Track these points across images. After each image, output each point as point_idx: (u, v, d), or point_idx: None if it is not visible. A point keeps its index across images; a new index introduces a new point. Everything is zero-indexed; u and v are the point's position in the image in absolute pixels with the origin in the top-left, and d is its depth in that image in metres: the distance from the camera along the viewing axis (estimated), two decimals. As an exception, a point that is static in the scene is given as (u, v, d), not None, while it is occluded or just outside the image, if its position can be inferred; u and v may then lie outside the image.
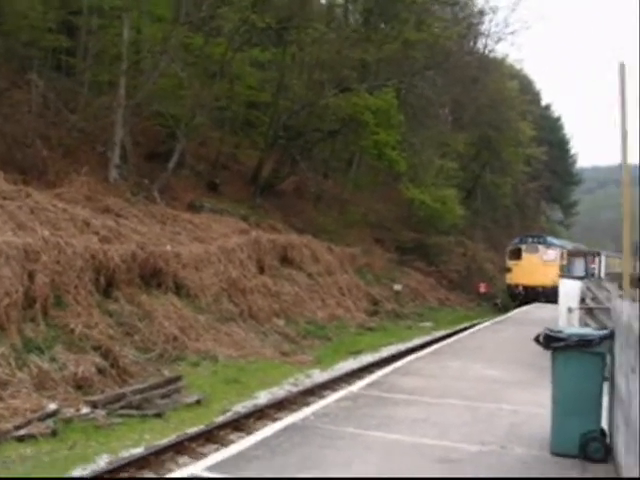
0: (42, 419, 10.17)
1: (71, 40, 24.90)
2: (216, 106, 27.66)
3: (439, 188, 37.36)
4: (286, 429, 7.46)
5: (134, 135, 24.75)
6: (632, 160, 6.78)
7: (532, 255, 35.11)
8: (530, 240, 36.65)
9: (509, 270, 36.06)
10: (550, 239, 37.60)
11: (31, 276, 13.20)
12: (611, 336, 6.49)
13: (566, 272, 33.07)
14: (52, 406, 10.59)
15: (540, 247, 35.45)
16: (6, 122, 20.03)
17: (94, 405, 11.13)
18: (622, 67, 5.87)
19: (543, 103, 77.50)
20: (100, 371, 12.52)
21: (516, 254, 36.11)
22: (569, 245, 40.46)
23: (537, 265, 34.33)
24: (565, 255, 35.65)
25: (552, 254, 34.84)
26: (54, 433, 9.88)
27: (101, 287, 15.12)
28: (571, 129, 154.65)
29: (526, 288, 34.07)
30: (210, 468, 6.05)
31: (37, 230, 14.56)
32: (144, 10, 25.47)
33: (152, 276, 16.94)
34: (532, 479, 5.54)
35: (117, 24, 23.63)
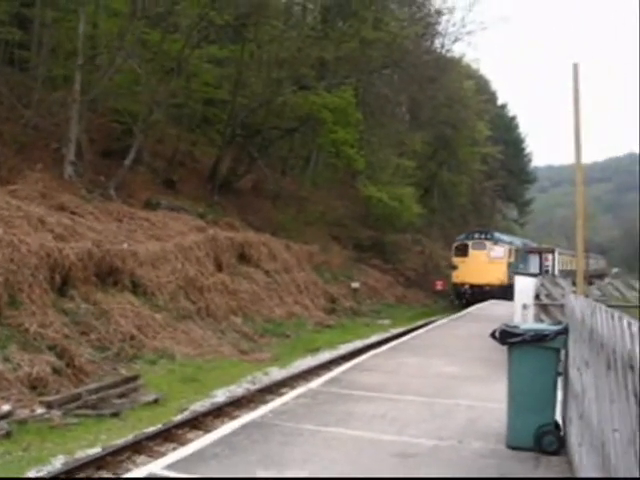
0: (-5, 420, 9.99)
1: (24, 33, 24.43)
2: (173, 103, 27.44)
3: (396, 186, 37.60)
4: (245, 427, 7.46)
5: (90, 132, 24.42)
6: (584, 159, 6.93)
7: (479, 252, 33.63)
8: (477, 236, 35.01)
9: (455, 268, 34.52)
10: (498, 235, 36.10)
11: (-17, 274, 12.95)
12: (565, 331, 6.62)
13: (521, 269, 32.65)
14: (6, 407, 10.40)
15: (487, 243, 33.99)
16: (-43, 117, 19.62)
17: (49, 405, 10.96)
18: (575, 67, 5.99)
19: (499, 103, 78.50)
20: (55, 371, 12.33)
21: (462, 251, 34.56)
22: (518, 241, 39.35)
23: (484, 263, 32.97)
24: (513, 252, 34.56)
25: (500, 251, 33.51)
26: (8, 435, 9.70)
27: (56, 286, 14.90)
28: (526, 128, 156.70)
29: (472, 287, 32.71)
30: (169, 467, 6.01)
31: (-10, 228, 14.28)
32: (100, 4, 25.15)
33: (108, 274, 16.75)
34: (519, 479, 5.60)
35: (72, 18, 23.27)
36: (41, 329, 13.12)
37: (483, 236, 34.73)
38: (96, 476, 8.79)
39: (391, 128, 41.50)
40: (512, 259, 33.97)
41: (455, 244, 35.54)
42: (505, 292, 28.63)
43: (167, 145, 29.60)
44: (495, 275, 32.11)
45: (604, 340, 4.00)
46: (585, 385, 5.07)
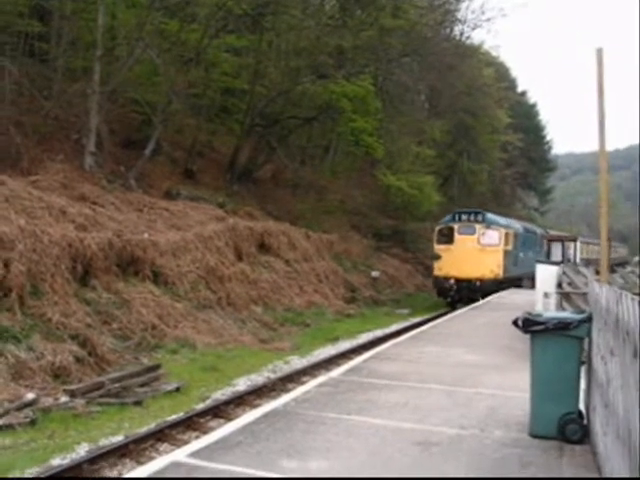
0: (20, 409, 10.11)
1: (44, 25, 24.56)
2: (192, 93, 27.49)
3: (416, 175, 37.42)
4: (267, 415, 7.48)
5: (109, 122, 24.53)
6: (608, 146, 6.85)
7: (467, 237, 27.46)
8: (464, 217, 28.20)
9: (437, 258, 28.28)
10: (491, 216, 29.04)
11: (7, 265, 13.09)
12: (589, 319, 6.57)
13: (520, 259, 29.76)
14: (30, 395, 10.53)
15: (478, 227, 27.54)
16: (-21, 109, 19.78)
17: (72, 394, 11.08)
18: (599, 52, 5.91)
19: (519, 90, 77.90)
20: (78, 360, 12.47)
21: (447, 236, 28.25)
22: (517, 225, 32.72)
23: (473, 251, 27.06)
24: (511, 238, 28.78)
25: (493, 236, 27.27)
26: (33, 423, 9.83)
27: (78, 275, 15.03)
28: (546, 116, 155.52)
29: (459, 282, 26.84)
30: (193, 454, 6.04)
31: (12, 219, 14.42)
32: (119, -5, 25.19)
33: (129, 264, 16.87)
34: (536, 479, 5.56)
35: (91, 9, 23.34)
36: (63, 319, 13.25)
37: (472, 217, 28.00)
38: (119, 464, 8.87)
39: (410, 116, 41.34)
40: (510, 246, 28.35)
41: (437, 227, 29.19)
42: (499, 287, 26.82)
43: (186, 135, 29.66)
44: (487, 266, 26.68)
45: (630, 328, 3.95)
46: (610, 374, 5.03)
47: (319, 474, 5.61)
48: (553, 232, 42.11)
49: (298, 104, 31.99)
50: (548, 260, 30.37)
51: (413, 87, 41.26)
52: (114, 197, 20.46)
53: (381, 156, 33.72)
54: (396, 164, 37.42)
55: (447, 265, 27.34)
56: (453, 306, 26.86)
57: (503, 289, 26.76)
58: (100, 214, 18.12)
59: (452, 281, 26.90)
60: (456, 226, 28.01)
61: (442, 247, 28.07)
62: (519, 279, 29.96)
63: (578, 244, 34.58)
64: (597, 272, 15.40)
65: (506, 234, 27.92)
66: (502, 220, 29.64)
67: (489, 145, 54.39)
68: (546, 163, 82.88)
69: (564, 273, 15.62)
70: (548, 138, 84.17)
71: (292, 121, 32.55)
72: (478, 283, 26.49)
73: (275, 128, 31.80)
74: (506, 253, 27.66)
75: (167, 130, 26.59)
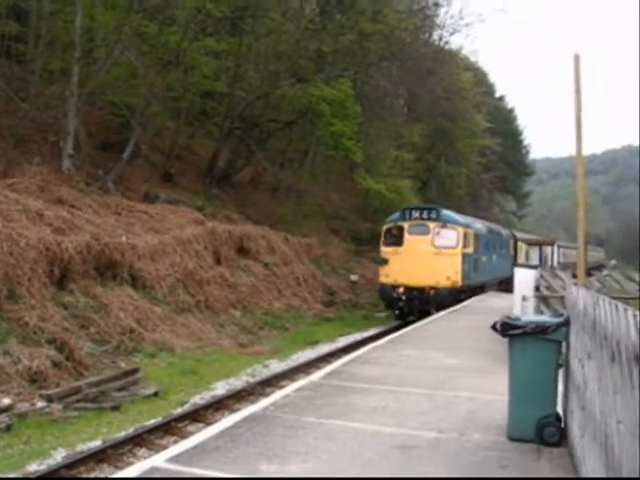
0: (-4, 414, 10.00)
1: (21, 26, 24.36)
2: (171, 96, 27.41)
3: (395, 179, 37.58)
4: (246, 419, 7.45)
5: (87, 125, 24.38)
6: (585, 150, 6.91)
7: (419, 238, 23.47)
8: (416, 214, 24.12)
9: (384, 262, 24.23)
10: (447, 213, 24.81)
11: (-17, 268, 12.94)
12: (567, 323, 6.62)
13: (483, 264, 26.53)
14: (6, 401, 10.42)
15: (432, 225, 23.57)
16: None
17: (49, 399, 10.98)
18: (577, 58, 5.97)
19: (497, 95, 78.48)
20: (55, 364, 12.36)
21: (395, 237, 24.38)
22: (479, 224, 28.61)
23: (427, 254, 23.11)
24: (471, 238, 24.71)
25: (451, 236, 23.41)
26: (8, 428, 9.73)
27: (55, 279, 14.92)
28: (524, 120, 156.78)
29: (409, 291, 22.91)
30: (171, 460, 6.00)
31: (-12, 221, 14.27)
32: (97, -4, 25.05)
33: (107, 268, 16.76)
34: (522, 479, 5.57)
35: (69, 10, 23.17)
36: (41, 323, 13.14)
37: (425, 214, 24.00)
38: (98, 469, 8.81)
39: (389, 120, 41.44)
40: (470, 249, 24.42)
41: (385, 227, 25.14)
42: (457, 298, 22.98)
43: (165, 138, 29.55)
44: (443, 273, 22.78)
45: (608, 332, 3.99)
46: (587, 377, 5.07)
47: (299, 477, 5.60)
48: (520, 234, 40.14)
49: (277, 108, 32.03)
50: (516, 265, 30.21)
51: (392, 91, 41.45)
52: (92, 200, 20.32)
53: (360, 160, 33.78)
54: (375, 168, 37.54)
55: (395, 271, 23.40)
56: (403, 319, 23.20)
57: (462, 300, 23.13)
58: (78, 217, 17.98)
59: (401, 290, 22.98)
60: (406, 225, 23.97)
61: (390, 250, 24.11)
62: (481, 287, 27.05)
63: (556, 248, 34.78)
64: (574, 276, 15.55)
65: (465, 234, 23.94)
66: (461, 218, 25.53)
67: (467, 149, 54.73)
68: (524, 167, 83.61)
69: (542, 276, 15.75)
70: (526, 142, 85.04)
71: (271, 125, 32.56)
72: (432, 292, 22.57)
73: (254, 131, 31.78)
74: (465, 257, 23.78)
75: (146, 133, 26.46)
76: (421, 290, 22.69)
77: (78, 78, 22.26)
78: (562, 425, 6.84)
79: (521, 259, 35.53)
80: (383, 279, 23.98)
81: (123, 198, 22.35)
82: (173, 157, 28.65)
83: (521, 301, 13.41)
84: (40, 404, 10.80)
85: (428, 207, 25.31)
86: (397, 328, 19.69)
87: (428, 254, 23.06)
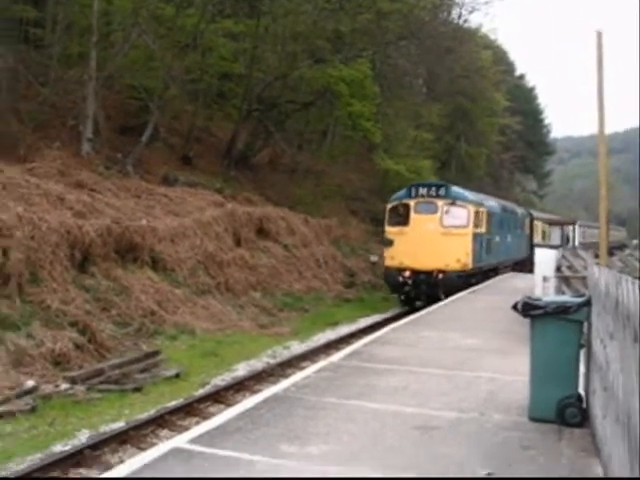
0: (20, 396, 10.14)
1: (39, 11, 24.39)
2: (189, 78, 27.35)
3: (414, 159, 37.37)
4: (267, 400, 7.48)
5: (106, 108, 24.42)
6: (607, 129, 6.82)
7: (427, 217, 21.87)
8: (423, 191, 22.41)
9: (389, 243, 22.65)
10: (457, 190, 23.06)
11: (5, 253, 13.09)
12: (588, 303, 6.57)
13: (496, 244, 24.91)
14: (30, 383, 10.55)
15: (440, 204, 21.89)
16: (-25, 96, 19.68)
17: (73, 381, 11.11)
18: (599, 35, 5.88)
19: (517, 73, 77.73)
20: (78, 347, 12.48)
21: (401, 216, 22.68)
22: (491, 201, 26.76)
23: (435, 235, 21.52)
24: (484, 217, 23.05)
25: (461, 215, 21.73)
26: (33, 410, 9.86)
27: (77, 262, 15.03)
28: (545, 99, 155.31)
29: (416, 274, 21.39)
30: (193, 440, 6.05)
31: (10, 206, 14.39)
32: (114, -20, 24.99)
33: (128, 250, 16.85)
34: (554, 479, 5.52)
35: (86, -6, 23.16)
36: (63, 306, 13.26)
37: (433, 192, 22.31)
38: (121, 450, 8.90)
39: (408, 100, 41.19)
40: (482, 228, 22.75)
41: (390, 205, 23.51)
42: (469, 283, 21.64)
43: (183, 121, 29.56)
44: (452, 254, 21.21)
45: (631, 312, 3.95)
46: (610, 357, 5.03)
47: (320, 458, 5.62)
48: (537, 213, 38.99)
49: (296, 89, 31.88)
50: (532, 245, 29.39)
51: (411, 71, 41.05)
52: (111, 184, 20.41)
53: (379, 140, 33.58)
54: (394, 148, 37.35)
55: (401, 253, 21.78)
56: (411, 305, 21.92)
57: (473, 284, 21.79)
58: (98, 201, 18.08)
59: (407, 273, 21.43)
60: (412, 203, 22.27)
61: (395, 230, 22.48)
62: (494, 269, 25.65)
63: (577, 228, 34.19)
64: (596, 255, 15.43)
65: (476, 213, 22.17)
66: (471, 195, 23.63)
67: (487, 129, 54.34)
68: (544, 147, 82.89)
69: (563, 257, 15.64)
70: (546, 121, 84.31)
71: (289, 106, 32.43)
72: (440, 276, 21.05)
73: (272, 113, 31.68)
74: (477, 237, 22.09)
75: (164, 116, 26.45)
76: (428, 274, 21.19)
77: (96, 62, 22.28)
78: (583, 406, 6.81)
79: (537, 239, 34.44)
80: (388, 262, 22.42)
81: (142, 181, 22.43)
82: (192, 140, 28.66)
83: (542, 281, 13.31)
84: (64, 386, 10.92)
85: (436, 183, 23.90)
86: (416, 309, 19.36)
87: (436, 234, 21.47)
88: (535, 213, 37.52)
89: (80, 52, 23.92)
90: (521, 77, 78.97)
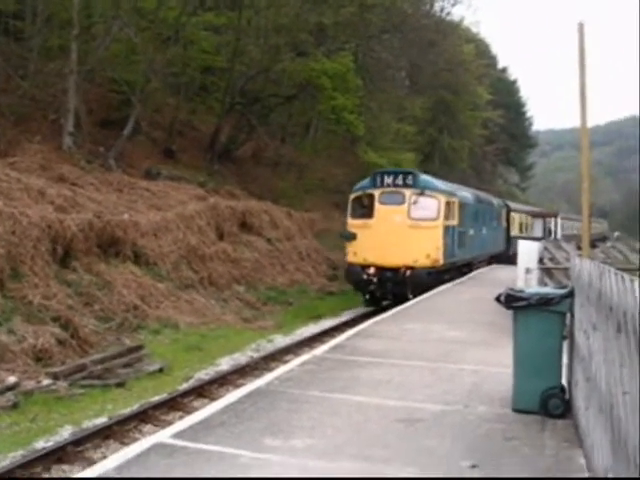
0: (2, 392, 10.04)
1: (18, 3, 24.13)
2: (171, 71, 27.25)
3: (397, 152, 37.40)
4: (250, 394, 7.46)
5: (87, 102, 24.24)
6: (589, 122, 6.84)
7: (393, 209, 19.95)
8: (389, 180, 20.33)
9: (351, 238, 20.48)
10: (426, 178, 21.13)
11: (-15, 247, 12.93)
12: (571, 294, 6.60)
13: (470, 237, 23.34)
14: (12, 379, 10.45)
15: (407, 193, 19.94)
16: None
17: (55, 377, 11.01)
18: (581, 27, 5.88)
19: (499, 66, 78.00)
20: (60, 342, 12.39)
21: (365, 207, 20.82)
22: (465, 191, 24.98)
23: (401, 227, 19.61)
24: (455, 208, 21.30)
25: (430, 206, 19.90)
26: (15, 406, 9.77)
27: (58, 257, 14.90)
28: (527, 92, 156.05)
29: (381, 271, 19.50)
30: (176, 435, 6.02)
31: (-10, 200, 14.24)
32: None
33: (110, 245, 16.73)
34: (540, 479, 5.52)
35: (66, -14, 22.93)
36: (44, 301, 13.14)
37: (400, 180, 20.24)
38: (104, 445, 8.85)
39: (391, 93, 41.22)
40: (454, 220, 21.12)
41: (352, 196, 21.47)
42: (440, 281, 20.05)
43: (166, 114, 29.41)
44: (422, 249, 19.36)
45: (614, 303, 3.96)
46: (592, 348, 5.05)
47: (304, 452, 5.61)
48: (514, 204, 37.88)
49: (278, 82, 31.80)
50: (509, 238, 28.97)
51: (393, 64, 41.12)
52: (93, 178, 20.26)
53: (362, 133, 33.58)
54: (377, 141, 37.35)
55: (364, 248, 19.89)
56: (375, 305, 20.29)
57: (445, 281, 20.45)
58: (80, 195, 17.94)
59: (372, 271, 19.57)
60: (377, 193, 20.35)
61: (358, 222, 20.54)
62: (468, 265, 24.26)
63: (559, 220, 34.21)
64: (579, 247, 15.51)
65: (448, 203, 20.47)
66: (442, 184, 21.90)
67: (470, 122, 54.50)
68: (527, 139, 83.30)
69: (545, 248, 15.71)
70: (529, 114, 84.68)
71: (272, 99, 32.36)
72: (408, 273, 19.16)
73: (255, 106, 31.59)
74: (448, 230, 20.43)
75: (146, 109, 26.30)
76: (395, 271, 19.36)
77: (77, 55, 22.10)
78: (567, 397, 6.84)
79: (515, 231, 33.55)
80: (350, 258, 20.36)
81: (124, 175, 22.29)
82: (174, 133, 28.54)
83: (525, 273, 13.37)
84: (46, 382, 10.83)
85: (403, 170, 21.73)
86: (383, 309, 17.71)
87: (403, 227, 19.61)
88: (512, 204, 36.52)
89: (60, 45, 23.72)
90: (503, 70, 79.27)
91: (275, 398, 7.26)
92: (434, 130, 51.71)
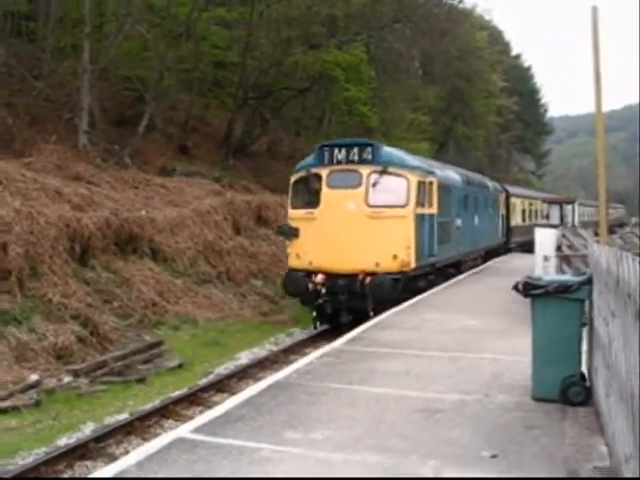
0: (24, 391, 10.14)
1: (30, 3, 24.25)
2: (183, 67, 27.26)
3: (411, 142, 37.28)
4: (270, 388, 7.48)
5: (101, 100, 24.33)
6: (605, 107, 6.77)
7: (345, 193, 14.83)
8: (340, 156, 15.08)
9: (293, 235, 15.54)
10: (389, 151, 15.70)
11: (4, 248, 13.06)
12: (589, 281, 6.55)
13: (457, 228, 18.61)
14: (34, 377, 10.55)
15: (364, 172, 14.78)
16: (-32, 91, 19.60)
17: (76, 374, 11.11)
18: (595, 11, 5.82)
19: (513, 53, 77.48)
20: (80, 340, 12.49)
21: (310, 193, 15.77)
22: (448, 170, 19.82)
23: (357, 219, 14.61)
24: (434, 191, 16.11)
25: (395, 189, 14.70)
26: (37, 404, 9.86)
27: (76, 255, 15.00)
28: (541, 79, 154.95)
29: (332, 279, 14.46)
30: (197, 430, 6.05)
31: (8, 201, 14.35)
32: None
33: (127, 242, 16.83)
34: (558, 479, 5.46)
35: (78, -14, 23.03)
36: (64, 299, 13.24)
37: (355, 155, 14.99)
38: (125, 441, 8.91)
39: (404, 83, 41.09)
40: (432, 208, 16.07)
41: (294, 178, 16.15)
42: (415, 289, 15.41)
43: (179, 111, 29.48)
44: (386, 248, 14.38)
45: (632, 289, 3.92)
46: (612, 335, 5.01)
47: (324, 444, 5.62)
48: (515, 189, 33.44)
49: (291, 75, 31.77)
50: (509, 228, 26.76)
51: (406, 54, 40.88)
52: (109, 176, 20.35)
53: (375, 124, 33.52)
54: (391, 132, 37.25)
55: (310, 248, 15.01)
56: (327, 323, 15.55)
57: (420, 290, 15.64)
58: (96, 193, 18.03)
59: (319, 278, 14.53)
60: (324, 173, 15.18)
61: (301, 214, 15.59)
62: (455, 265, 19.63)
63: (576, 206, 33.79)
64: (596, 234, 15.40)
65: (421, 184, 15.27)
66: (413, 160, 16.42)
67: (484, 110, 54.24)
68: (542, 126, 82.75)
69: (563, 236, 15.61)
70: (543, 101, 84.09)
71: (285, 92, 32.33)
72: (367, 281, 14.09)
73: (268, 100, 31.58)
74: (422, 220, 15.33)
75: (160, 106, 26.36)
76: (351, 278, 14.30)
77: (90, 54, 22.18)
78: (587, 384, 6.80)
79: (517, 221, 29.85)
80: (292, 261, 15.59)
81: (140, 172, 22.37)
82: (188, 129, 28.59)
83: (542, 261, 13.29)
84: (67, 379, 10.93)
85: (358, 142, 15.85)
86: (341, 326, 14.40)
87: (360, 218, 14.55)
88: (511, 189, 31.34)
89: (73, 44, 23.83)
90: (517, 57, 78.80)
91: (294, 391, 7.28)
92: (448, 119, 51.56)
